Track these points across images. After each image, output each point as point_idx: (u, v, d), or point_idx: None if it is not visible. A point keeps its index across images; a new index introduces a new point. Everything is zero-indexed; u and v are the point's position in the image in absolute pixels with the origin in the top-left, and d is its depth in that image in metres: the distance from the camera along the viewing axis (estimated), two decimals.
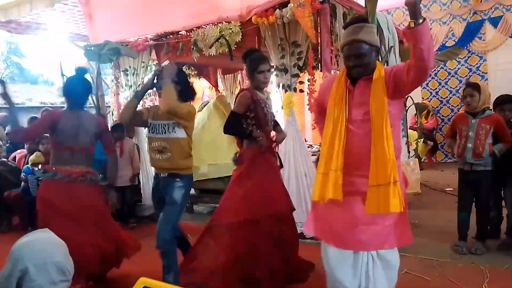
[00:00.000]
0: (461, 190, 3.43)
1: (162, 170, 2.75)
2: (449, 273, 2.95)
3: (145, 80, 2.81)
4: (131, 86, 5.30)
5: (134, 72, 5.23)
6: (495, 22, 7.51)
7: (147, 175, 5.17)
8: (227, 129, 2.89)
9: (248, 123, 2.86)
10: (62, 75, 6.03)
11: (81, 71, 2.98)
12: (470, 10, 7.76)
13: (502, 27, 7.44)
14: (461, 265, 3.08)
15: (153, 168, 3.08)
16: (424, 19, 1.74)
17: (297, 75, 3.97)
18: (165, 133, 2.69)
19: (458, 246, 3.35)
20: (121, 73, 5.40)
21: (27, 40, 25.29)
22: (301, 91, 4.06)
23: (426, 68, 1.84)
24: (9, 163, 5.45)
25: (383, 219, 1.95)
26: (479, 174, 3.25)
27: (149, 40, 4.90)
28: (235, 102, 2.93)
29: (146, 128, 2.91)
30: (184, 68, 6.56)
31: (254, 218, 2.75)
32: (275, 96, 4.13)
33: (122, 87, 5.47)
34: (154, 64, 5.33)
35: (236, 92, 7.22)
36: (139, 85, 5.15)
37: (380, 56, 3.44)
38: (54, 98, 12.22)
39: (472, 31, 7.68)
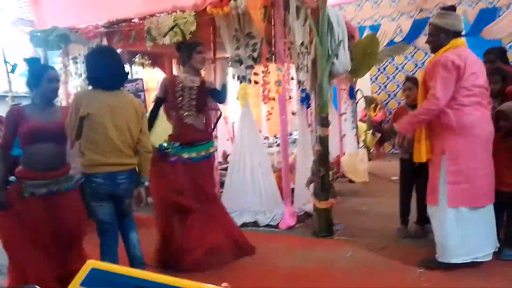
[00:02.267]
0: (402, 178, 3.65)
1: None
2: (392, 255, 3.15)
3: None
4: (80, 74, 5.12)
5: (84, 60, 5.05)
6: None
7: None
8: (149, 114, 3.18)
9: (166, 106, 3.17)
10: (6, 62, 5.71)
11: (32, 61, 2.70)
12: (417, 8, 8.17)
13: None
14: (403, 247, 3.30)
15: None
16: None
17: (251, 67, 4.03)
18: None
19: (400, 230, 3.58)
20: (71, 61, 5.19)
21: None
22: (256, 82, 4.12)
23: None
24: None
25: None
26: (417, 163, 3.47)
27: (100, 27, 4.74)
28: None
29: None
30: (138, 57, 6.43)
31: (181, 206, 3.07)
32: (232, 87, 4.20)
33: (72, 76, 5.26)
34: None
35: None
36: None
37: (329, 50, 3.62)
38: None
39: (418, 28, 8.09)
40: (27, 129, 2.46)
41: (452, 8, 2.94)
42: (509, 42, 7.27)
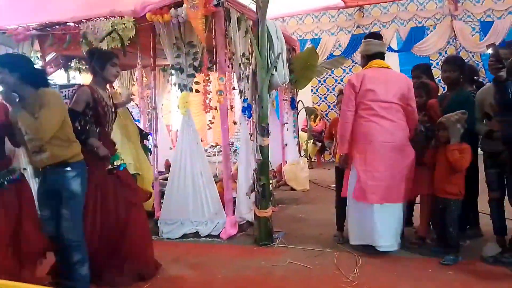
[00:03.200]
0: (337, 185, 3.80)
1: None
2: (328, 261, 3.25)
3: None
4: None
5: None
6: None
7: None
8: None
9: (87, 121, 2.84)
10: None
11: None
12: (354, 23, 8.61)
13: None
14: (338, 253, 3.40)
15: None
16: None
17: (192, 75, 3.99)
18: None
19: (336, 236, 3.72)
20: None
21: None
22: (197, 91, 4.09)
23: None
24: None
25: None
26: None
27: (31, 29, 4.47)
28: (72, 98, 2.87)
29: None
30: (74, 62, 6.14)
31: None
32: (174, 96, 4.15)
33: None
34: (37, 56, 4.88)
35: (134, 89, 7.02)
36: None
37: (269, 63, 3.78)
38: None
39: (356, 43, 8.51)
40: None
41: (371, 36, 3.52)
42: (436, 59, 7.88)
